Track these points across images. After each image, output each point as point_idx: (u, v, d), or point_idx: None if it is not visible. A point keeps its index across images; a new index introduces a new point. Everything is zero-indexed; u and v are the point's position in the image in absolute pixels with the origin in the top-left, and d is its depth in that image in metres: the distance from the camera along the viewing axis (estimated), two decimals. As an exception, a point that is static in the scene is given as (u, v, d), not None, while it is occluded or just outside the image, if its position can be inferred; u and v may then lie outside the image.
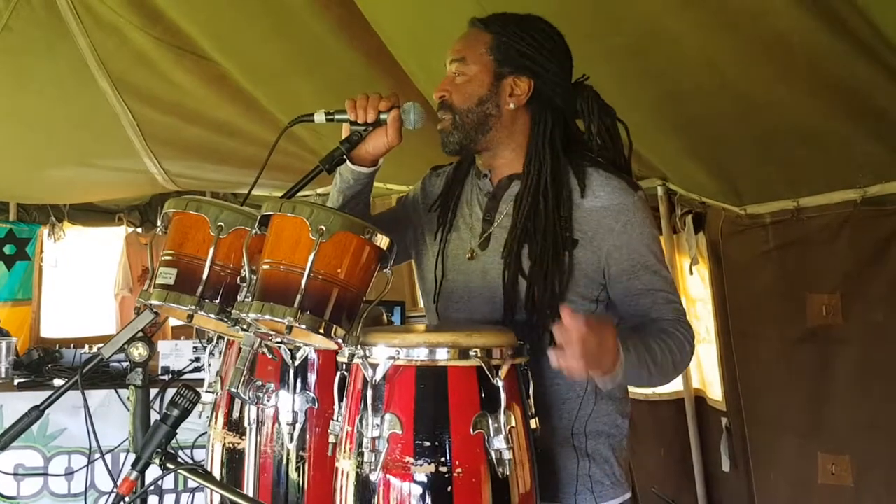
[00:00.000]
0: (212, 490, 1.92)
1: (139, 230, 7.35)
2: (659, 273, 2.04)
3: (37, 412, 1.94)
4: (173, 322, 5.57)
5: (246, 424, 1.94)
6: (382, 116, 2.08)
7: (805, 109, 2.95)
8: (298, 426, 1.98)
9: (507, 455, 1.71)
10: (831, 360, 3.54)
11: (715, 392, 4.27)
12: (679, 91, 3.16)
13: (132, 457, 1.89)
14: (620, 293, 2.05)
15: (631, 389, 2.23)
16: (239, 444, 2.04)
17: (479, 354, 1.72)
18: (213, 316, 1.86)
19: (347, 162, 2.14)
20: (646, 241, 2.05)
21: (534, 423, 1.84)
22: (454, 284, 2.16)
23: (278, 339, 1.85)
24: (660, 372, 1.95)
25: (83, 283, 7.50)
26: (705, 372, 4.40)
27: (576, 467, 2.06)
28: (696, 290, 4.39)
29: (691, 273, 4.27)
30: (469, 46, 2.13)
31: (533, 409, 1.85)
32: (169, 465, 1.82)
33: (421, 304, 5.93)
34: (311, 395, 1.99)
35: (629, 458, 2.17)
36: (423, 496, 1.69)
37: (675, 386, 4.44)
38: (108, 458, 3.74)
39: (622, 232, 2.03)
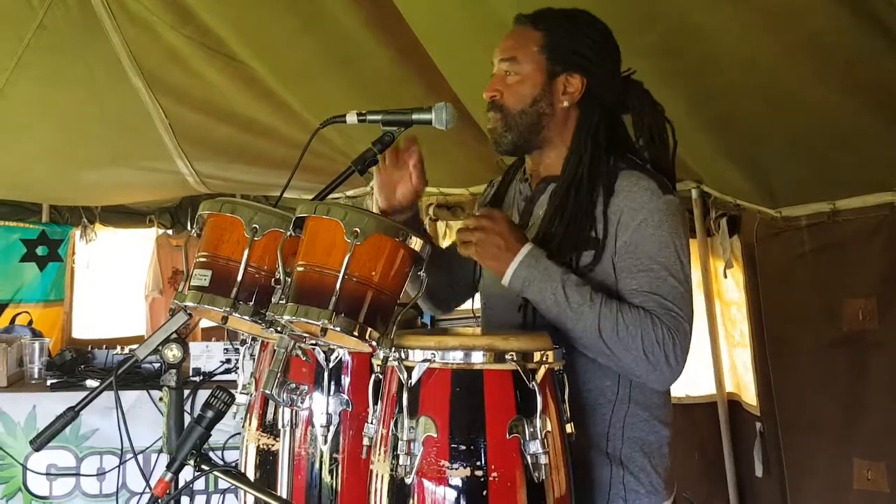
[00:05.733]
0: (246, 492, 1.91)
1: (169, 232, 7.40)
2: (663, 279, 1.96)
3: (72, 413, 1.95)
4: (204, 323, 5.60)
5: (280, 426, 1.94)
6: (403, 117, 2.06)
7: (841, 109, 2.91)
8: (332, 428, 1.97)
9: (543, 459, 1.70)
10: (867, 365, 3.49)
11: (750, 396, 4.23)
12: (713, 90, 3.12)
13: (164, 457, 1.90)
14: (620, 290, 1.99)
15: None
16: (273, 445, 2.04)
17: (514, 358, 1.71)
18: (247, 318, 1.87)
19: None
20: (658, 244, 1.98)
21: (569, 428, 1.83)
22: (493, 290, 2.15)
23: (312, 342, 1.85)
24: (580, 320, 1.90)
25: (114, 284, 7.56)
26: (740, 375, 4.36)
27: (608, 474, 2.03)
28: (730, 293, 4.35)
29: (725, 276, 4.24)
30: (520, 45, 2.11)
31: (568, 414, 1.83)
32: (204, 467, 1.82)
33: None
34: (345, 397, 1.99)
35: (670, 465, 2.12)
36: (458, 500, 1.68)
37: (709, 389, 4.40)
38: (139, 458, 3.78)
39: (635, 230, 1.99)
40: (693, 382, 4.44)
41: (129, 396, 3.90)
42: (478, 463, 1.68)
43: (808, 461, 3.81)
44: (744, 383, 4.33)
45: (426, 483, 1.69)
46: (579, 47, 2.09)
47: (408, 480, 1.69)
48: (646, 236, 1.99)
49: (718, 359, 4.40)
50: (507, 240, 1.97)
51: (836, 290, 3.57)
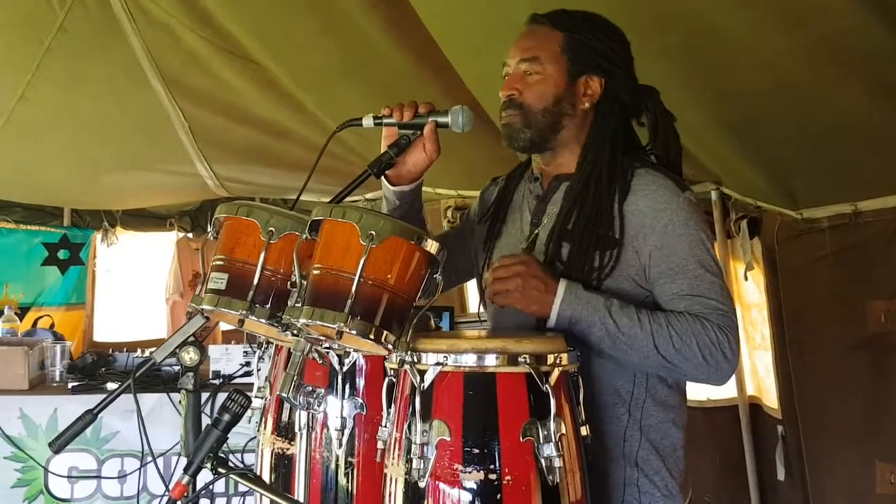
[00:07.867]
0: (262, 495, 1.91)
1: (190, 235, 7.45)
2: (701, 277, 1.95)
3: (90, 416, 1.96)
4: (224, 326, 5.62)
5: (296, 430, 1.94)
6: (419, 121, 2.06)
7: (862, 110, 2.89)
8: (347, 432, 1.96)
9: (557, 463, 1.68)
10: (890, 368, 3.46)
11: (771, 399, 4.20)
12: (733, 91, 3.11)
13: (184, 460, 1.90)
14: (659, 296, 1.99)
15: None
16: (288, 449, 2.04)
17: (528, 361, 1.69)
18: (263, 321, 1.86)
19: (387, 184, 2.14)
20: (688, 242, 1.97)
21: (584, 431, 1.81)
22: None
23: (327, 345, 1.85)
24: (635, 342, 1.89)
25: (135, 287, 7.61)
26: (761, 378, 4.33)
27: (623, 476, 2.02)
28: (751, 296, 4.32)
29: (746, 279, 4.21)
30: (541, 45, 2.09)
31: (583, 417, 1.82)
32: (220, 470, 1.82)
33: (470, 309, 5.93)
34: (360, 400, 1.98)
35: (685, 468, 2.11)
36: (472, 503, 1.67)
37: (730, 392, 4.37)
38: (160, 461, 3.80)
39: (663, 232, 1.98)
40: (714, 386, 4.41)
41: (149, 399, 3.91)
42: (491, 466, 1.66)
43: (830, 464, 3.78)
44: (765, 386, 4.29)
45: (440, 486, 1.68)
46: (599, 49, 2.08)
47: (422, 484, 1.68)
48: (675, 237, 1.98)
49: (739, 362, 4.36)
50: (545, 281, 1.94)
51: (858, 292, 3.54)
